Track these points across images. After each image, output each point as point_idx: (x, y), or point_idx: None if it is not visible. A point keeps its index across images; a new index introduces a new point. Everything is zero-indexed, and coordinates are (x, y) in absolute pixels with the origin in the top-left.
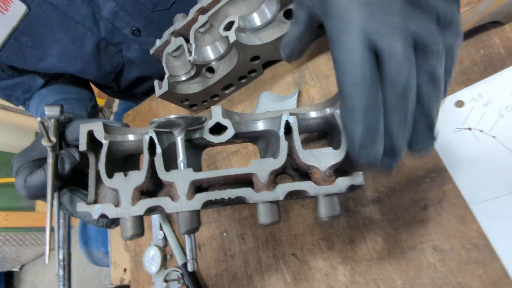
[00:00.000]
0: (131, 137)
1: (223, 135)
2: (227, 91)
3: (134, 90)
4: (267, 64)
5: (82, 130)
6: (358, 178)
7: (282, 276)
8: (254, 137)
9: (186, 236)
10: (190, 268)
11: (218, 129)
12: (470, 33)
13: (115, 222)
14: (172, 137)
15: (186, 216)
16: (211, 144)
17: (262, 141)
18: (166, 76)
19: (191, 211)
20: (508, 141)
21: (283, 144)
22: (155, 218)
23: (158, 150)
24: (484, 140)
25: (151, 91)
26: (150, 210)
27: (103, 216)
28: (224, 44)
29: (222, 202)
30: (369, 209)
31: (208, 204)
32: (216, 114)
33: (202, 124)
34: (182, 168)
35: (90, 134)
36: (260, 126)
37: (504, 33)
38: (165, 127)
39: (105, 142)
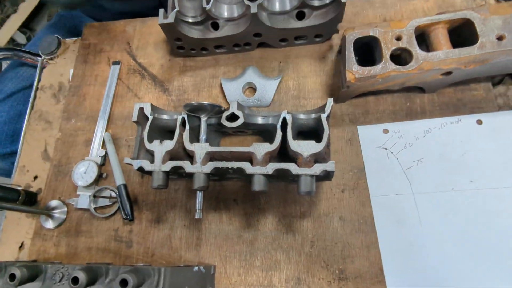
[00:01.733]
0: (166, 116)
1: (236, 122)
2: (217, 50)
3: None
4: (260, 44)
5: (135, 106)
6: (330, 165)
7: (219, 215)
8: (260, 130)
9: (197, 192)
10: (196, 216)
11: (233, 118)
12: (406, 89)
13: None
14: (197, 121)
15: (200, 176)
16: (227, 131)
17: (267, 135)
18: (175, 10)
19: (204, 172)
20: (403, 164)
21: (278, 133)
22: (99, 133)
23: (187, 127)
24: (391, 158)
25: (126, 15)
26: (174, 169)
27: (140, 169)
28: (240, 10)
29: (226, 171)
30: None
31: (216, 170)
32: (232, 106)
33: (221, 113)
34: (202, 142)
35: (141, 110)
36: (264, 120)
37: (423, 98)
38: (195, 111)
39: (150, 117)
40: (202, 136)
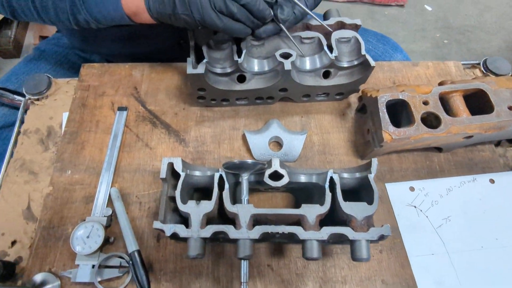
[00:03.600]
0: (199, 172)
1: (281, 181)
2: (238, 102)
3: (119, 48)
4: (281, 98)
5: (163, 161)
6: (386, 230)
7: (253, 283)
8: (297, 188)
9: (242, 261)
10: None
11: (275, 176)
12: (424, 148)
13: None
14: (233, 179)
15: (246, 243)
16: (258, 188)
17: (301, 192)
18: (204, 61)
19: (250, 239)
20: (434, 222)
21: (328, 194)
22: (103, 188)
23: (226, 185)
24: (421, 216)
25: (135, 57)
26: (215, 235)
27: (173, 235)
28: (271, 65)
29: (274, 236)
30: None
31: (264, 235)
32: (275, 164)
33: (263, 170)
34: (245, 203)
35: (171, 166)
36: (307, 178)
37: (439, 157)
38: (234, 169)
39: (182, 174)
40: (244, 196)
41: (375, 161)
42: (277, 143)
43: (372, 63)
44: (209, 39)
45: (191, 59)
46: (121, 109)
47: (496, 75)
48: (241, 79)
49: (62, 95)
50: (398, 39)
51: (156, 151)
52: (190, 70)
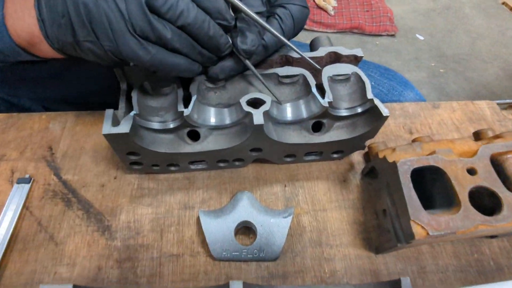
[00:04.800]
0: None
1: None
2: (193, 166)
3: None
4: (256, 159)
5: None
6: None
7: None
8: None
9: None
10: None
11: None
12: (467, 240)
13: None
14: None
15: None
16: None
17: None
18: (132, 113)
19: None
20: None
21: None
22: None
23: None
24: None
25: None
26: None
27: None
28: (234, 117)
29: None
30: None
31: None
32: None
33: None
34: None
35: None
36: None
37: (491, 245)
38: None
39: None
40: None
41: (406, 283)
42: (248, 231)
43: (385, 111)
44: (145, 79)
45: (110, 112)
46: (21, 181)
47: None
48: (194, 135)
49: None
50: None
51: (64, 249)
52: (107, 128)
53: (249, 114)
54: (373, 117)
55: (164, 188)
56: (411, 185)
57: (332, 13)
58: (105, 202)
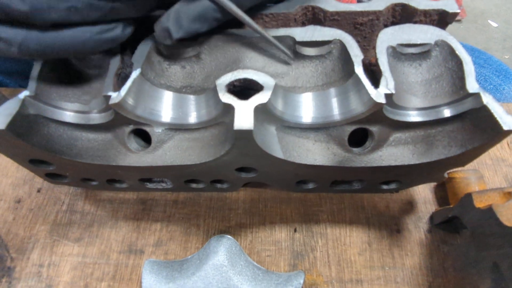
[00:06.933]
0: None
1: None
2: (150, 185)
3: None
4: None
5: None
6: None
7: None
8: None
9: None
10: None
11: None
12: None
13: None
14: None
15: None
16: None
17: None
18: (22, 95)
19: None
20: None
21: None
22: None
23: None
24: None
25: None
26: None
27: None
28: (208, 111)
29: None
30: None
31: None
32: None
33: None
34: None
35: None
36: None
37: None
38: None
39: None
40: None
41: None
42: None
43: (507, 122)
44: None
45: None
46: None
47: None
48: (145, 137)
49: None
50: None
51: None
52: None
53: (230, 109)
54: (475, 129)
55: (104, 214)
56: None
57: None
58: (15, 229)
